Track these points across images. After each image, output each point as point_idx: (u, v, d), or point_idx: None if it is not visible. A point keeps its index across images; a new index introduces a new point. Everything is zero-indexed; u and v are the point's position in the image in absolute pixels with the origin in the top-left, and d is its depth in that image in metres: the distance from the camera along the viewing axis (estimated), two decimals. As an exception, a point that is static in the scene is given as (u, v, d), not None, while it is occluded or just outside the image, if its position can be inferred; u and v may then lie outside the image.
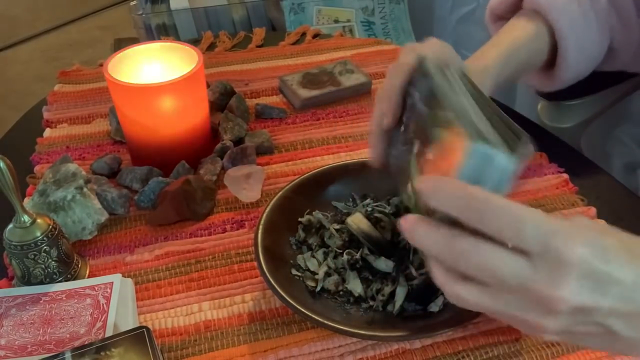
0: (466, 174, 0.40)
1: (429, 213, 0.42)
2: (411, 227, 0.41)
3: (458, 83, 0.50)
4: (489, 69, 0.63)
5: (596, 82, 0.93)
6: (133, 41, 0.79)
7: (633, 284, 0.37)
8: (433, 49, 0.56)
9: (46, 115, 0.85)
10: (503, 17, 0.72)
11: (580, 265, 0.36)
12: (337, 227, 0.60)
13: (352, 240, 0.59)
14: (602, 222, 0.40)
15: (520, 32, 0.67)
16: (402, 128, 0.54)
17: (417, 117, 0.51)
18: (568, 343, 0.52)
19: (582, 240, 0.36)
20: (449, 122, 0.44)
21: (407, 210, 0.49)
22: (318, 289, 0.55)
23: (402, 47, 0.59)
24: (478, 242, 0.38)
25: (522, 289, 0.37)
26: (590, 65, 0.71)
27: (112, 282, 0.56)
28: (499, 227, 0.37)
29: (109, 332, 0.51)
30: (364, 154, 0.76)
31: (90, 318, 0.52)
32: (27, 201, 0.66)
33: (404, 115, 0.54)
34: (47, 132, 0.82)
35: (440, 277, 0.41)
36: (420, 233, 0.40)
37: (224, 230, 0.65)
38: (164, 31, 1.39)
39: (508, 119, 0.45)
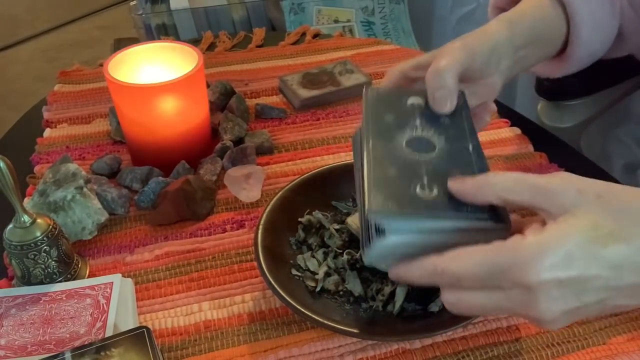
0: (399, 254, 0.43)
1: None
2: (399, 277, 0.44)
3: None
4: (490, 35, 0.58)
5: (596, 82, 0.93)
6: (133, 41, 0.79)
7: (613, 270, 0.37)
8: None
9: (46, 115, 0.85)
10: (505, 10, 0.71)
11: (544, 285, 0.36)
12: (337, 227, 0.60)
13: (352, 240, 0.59)
14: (585, 184, 0.40)
15: (527, 4, 0.64)
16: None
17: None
18: (568, 343, 0.53)
19: (539, 261, 0.36)
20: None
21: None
22: (318, 289, 0.55)
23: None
24: (458, 293, 0.41)
25: (509, 312, 0.40)
26: (603, 46, 0.69)
27: (112, 282, 0.56)
28: (466, 284, 0.40)
29: (109, 332, 0.51)
30: (364, 154, 0.76)
31: (90, 318, 0.52)
32: (27, 201, 0.66)
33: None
34: (47, 132, 0.82)
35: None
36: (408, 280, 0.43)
37: (224, 230, 0.65)
38: (164, 31, 1.39)
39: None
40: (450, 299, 0.41)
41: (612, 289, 0.37)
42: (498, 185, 0.41)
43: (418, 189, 0.42)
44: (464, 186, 0.42)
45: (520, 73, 0.64)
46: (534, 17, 0.63)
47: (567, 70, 0.69)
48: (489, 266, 0.38)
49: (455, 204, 0.42)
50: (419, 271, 0.42)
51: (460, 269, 0.39)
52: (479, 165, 0.46)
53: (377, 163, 0.45)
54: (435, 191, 0.42)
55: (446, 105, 0.50)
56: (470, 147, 0.47)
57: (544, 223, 0.39)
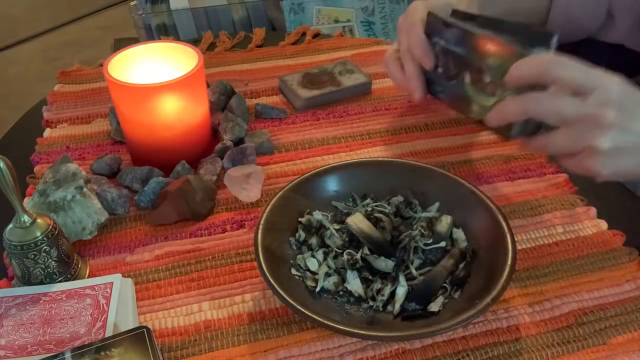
0: None
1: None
2: (501, 109, 0.57)
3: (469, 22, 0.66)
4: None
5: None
6: (133, 41, 0.79)
7: None
8: (432, 3, 0.70)
9: (46, 115, 0.85)
10: None
11: (618, 97, 0.51)
12: (337, 227, 0.60)
13: (352, 240, 0.59)
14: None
15: None
16: (441, 69, 0.69)
17: (455, 57, 0.66)
18: (568, 343, 0.53)
19: (618, 83, 0.53)
20: (494, 49, 0.61)
21: (480, 123, 0.67)
22: (318, 289, 0.55)
23: (409, 6, 0.73)
24: (545, 94, 0.54)
25: (579, 118, 0.52)
26: (588, 18, 0.73)
27: (112, 282, 0.56)
28: (561, 77, 0.53)
29: (109, 332, 0.51)
30: (364, 154, 0.76)
31: (90, 318, 0.52)
32: (27, 201, 0.66)
33: (437, 60, 0.69)
34: (47, 132, 0.82)
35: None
36: (507, 107, 0.57)
37: (224, 230, 0.65)
38: (164, 31, 1.39)
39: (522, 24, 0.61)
40: (537, 96, 0.54)
41: None
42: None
43: None
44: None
45: None
46: None
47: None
48: (583, 71, 0.53)
49: None
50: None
51: (563, 64, 0.53)
52: None
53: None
54: None
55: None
56: None
57: None
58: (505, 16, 0.70)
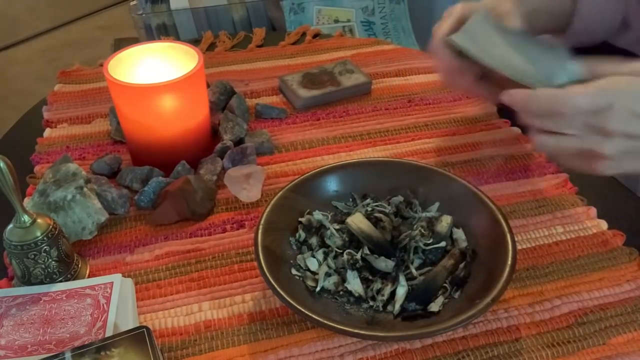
0: None
1: None
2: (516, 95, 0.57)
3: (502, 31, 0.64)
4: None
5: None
6: (133, 41, 0.79)
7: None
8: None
9: (46, 115, 0.85)
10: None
11: (621, 105, 0.52)
12: (337, 227, 0.60)
13: (352, 240, 0.59)
14: None
15: None
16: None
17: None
18: (568, 343, 0.53)
19: (624, 87, 0.52)
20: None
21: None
22: (318, 289, 0.55)
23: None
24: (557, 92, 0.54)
25: (587, 124, 0.53)
26: (605, 25, 0.75)
27: (112, 282, 0.56)
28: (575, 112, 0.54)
29: (109, 332, 0.51)
30: (364, 154, 0.76)
31: (90, 318, 0.52)
32: (27, 201, 0.66)
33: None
34: (47, 132, 0.82)
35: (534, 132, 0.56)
36: (516, 97, 0.56)
37: (224, 230, 0.65)
38: (164, 31, 1.39)
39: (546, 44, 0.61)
40: (549, 141, 0.55)
41: None
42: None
43: None
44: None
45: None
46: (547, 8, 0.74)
47: (567, 41, 0.78)
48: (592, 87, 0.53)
49: None
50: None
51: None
52: None
53: None
54: None
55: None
56: None
57: None
58: (534, 14, 0.72)
